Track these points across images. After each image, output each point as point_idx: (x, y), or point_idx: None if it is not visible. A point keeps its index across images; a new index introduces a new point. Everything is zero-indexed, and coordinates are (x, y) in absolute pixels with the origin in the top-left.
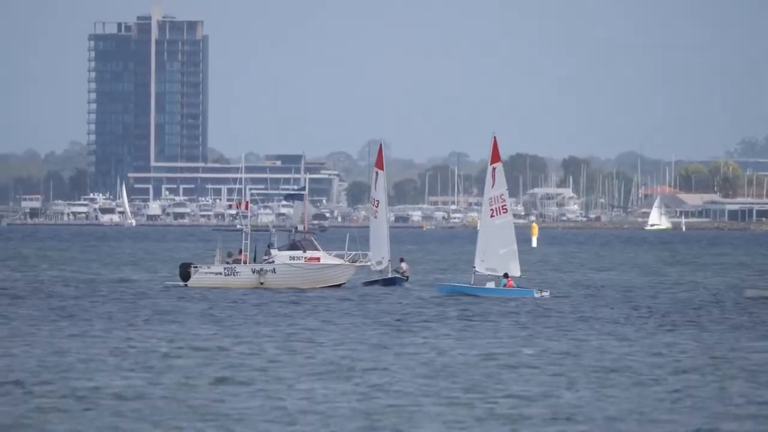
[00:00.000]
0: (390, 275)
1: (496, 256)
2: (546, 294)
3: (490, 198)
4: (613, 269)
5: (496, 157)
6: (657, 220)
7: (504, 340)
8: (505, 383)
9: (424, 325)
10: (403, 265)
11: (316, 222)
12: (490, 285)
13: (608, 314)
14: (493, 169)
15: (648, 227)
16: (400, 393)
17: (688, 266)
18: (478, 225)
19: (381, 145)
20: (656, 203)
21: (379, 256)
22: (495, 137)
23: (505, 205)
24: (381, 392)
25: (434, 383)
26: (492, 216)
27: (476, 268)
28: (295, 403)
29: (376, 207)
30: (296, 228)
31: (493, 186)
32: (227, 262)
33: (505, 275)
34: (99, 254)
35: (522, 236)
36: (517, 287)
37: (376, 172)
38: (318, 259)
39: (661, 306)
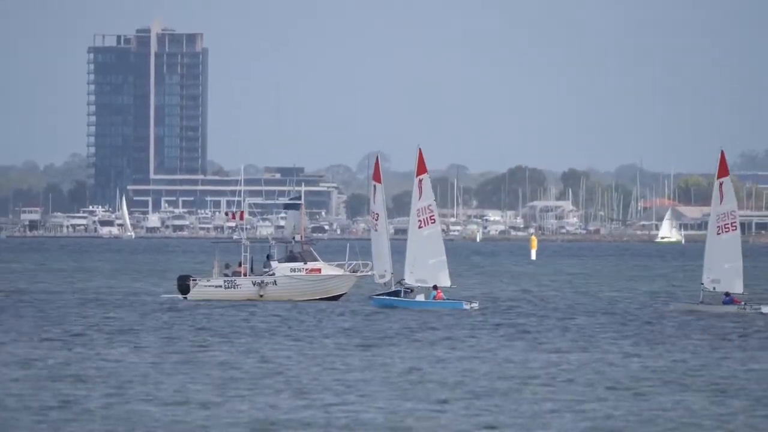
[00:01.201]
0: (393, 288)
1: (425, 267)
2: (475, 305)
3: (418, 209)
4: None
5: (422, 168)
6: (668, 232)
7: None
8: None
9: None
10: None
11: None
12: (420, 297)
13: (514, 325)
14: (420, 180)
15: (658, 240)
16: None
17: (642, 279)
18: (409, 235)
19: (378, 158)
20: (667, 215)
21: (382, 269)
22: (420, 149)
23: (433, 216)
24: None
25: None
26: (420, 227)
27: (405, 280)
28: None
29: (376, 220)
30: (294, 239)
31: (420, 197)
32: (225, 275)
33: (435, 287)
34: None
35: (521, 249)
36: (447, 299)
37: (374, 186)
38: (319, 270)
39: (569, 317)
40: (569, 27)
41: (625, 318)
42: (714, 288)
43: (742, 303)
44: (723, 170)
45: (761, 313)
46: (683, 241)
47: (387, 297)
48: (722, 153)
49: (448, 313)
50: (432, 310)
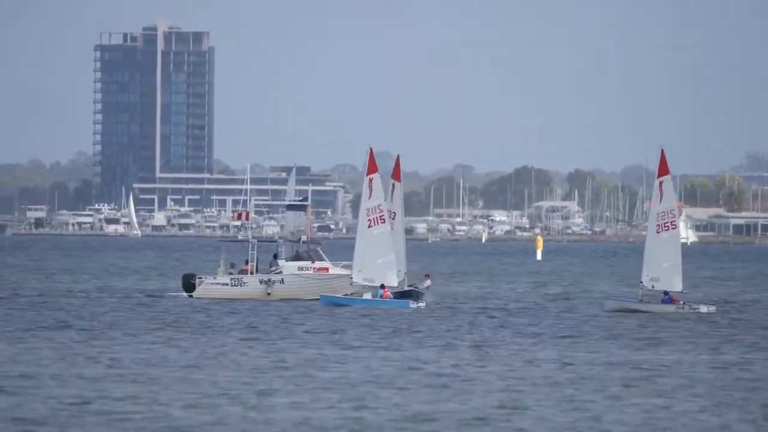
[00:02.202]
0: (406, 288)
1: (374, 266)
2: (422, 305)
3: (368, 209)
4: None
5: (373, 168)
6: (685, 234)
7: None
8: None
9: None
10: (428, 281)
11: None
12: (367, 296)
13: (451, 325)
14: (370, 180)
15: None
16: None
17: (606, 278)
18: (357, 235)
19: (398, 157)
20: (682, 217)
21: (396, 268)
22: (371, 148)
23: (383, 216)
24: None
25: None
26: (370, 226)
27: (354, 279)
28: None
29: (393, 219)
30: (300, 239)
31: (370, 197)
32: (230, 273)
33: (382, 286)
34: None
35: (527, 249)
36: (394, 298)
37: (393, 184)
38: (326, 269)
39: (506, 317)
40: (576, 27)
41: (559, 317)
42: (653, 286)
43: (681, 302)
44: (663, 169)
45: (699, 313)
46: (688, 243)
47: (337, 296)
48: (662, 152)
49: (388, 311)
50: (379, 309)
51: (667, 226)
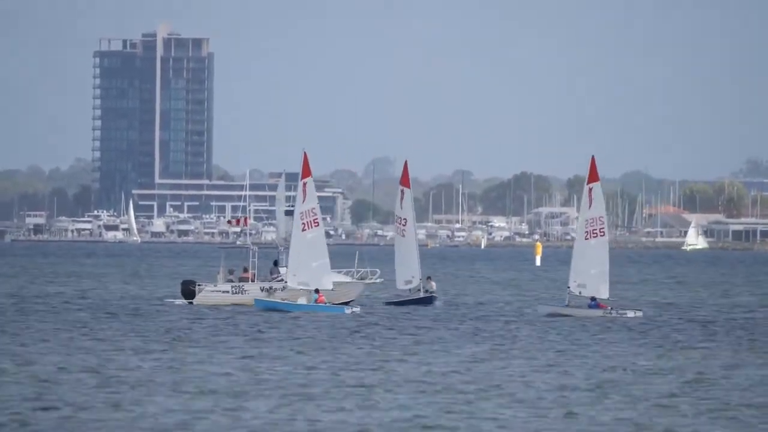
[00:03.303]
0: (422, 294)
1: (309, 269)
2: (357, 310)
3: (301, 212)
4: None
5: (306, 171)
6: (695, 240)
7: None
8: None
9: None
10: (433, 284)
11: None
12: (302, 300)
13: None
14: (304, 183)
15: (685, 247)
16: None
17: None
18: (292, 239)
19: (406, 162)
20: (693, 224)
21: (409, 275)
22: (305, 153)
23: (316, 219)
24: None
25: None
26: (303, 230)
27: (288, 283)
28: None
29: (404, 226)
30: None
31: (304, 200)
32: (230, 280)
33: (316, 290)
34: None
35: (526, 255)
36: (330, 303)
37: (402, 190)
38: None
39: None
40: (574, 31)
41: (488, 322)
42: (580, 292)
43: (608, 308)
44: (593, 176)
45: (627, 318)
46: (690, 249)
47: (271, 300)
48: (593, 159)
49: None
50: (314, 314)
51: (596, 233)
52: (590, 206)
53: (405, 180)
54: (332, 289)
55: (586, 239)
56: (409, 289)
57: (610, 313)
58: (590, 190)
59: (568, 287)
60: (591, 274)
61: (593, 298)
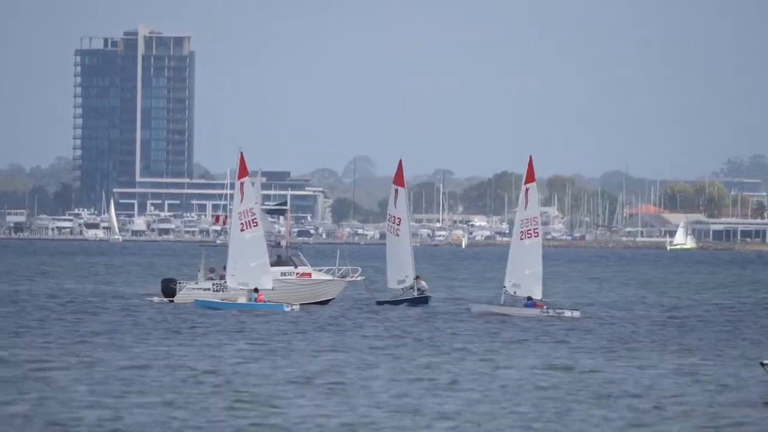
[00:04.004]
0: (416, 295)
1: (248, 270)
2: (296, 308)
3: (240, 212)
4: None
5: (243, 171)
6: (683, 239)
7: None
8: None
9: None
10: (423, 283)
11: (272, 240)
12: (242, 299)
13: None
14: (241, 183)
15: (671, 247)
16: None
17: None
18: (230, 239)
19: (401, 161)
20: (682, 224)
21: (402, 274)
22: (241, 152)
23: (255, 219)
24: None
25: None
26: (242, 230)
27: (228, 283)
28: None
29: (398, 225)
30: (278, 243)
31: (241, 200)
32: (210, 278)
33: (256, 290)
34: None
35: (507, 255)
36: (268, 301)
37: (396, 189)
38: (309, 274)
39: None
40: (556, 32)
41: (419, 320)
42: (515, 292)
43: (545, 307)
44: (530, 176)
45: (564, 317)
46: (666, 248)
47: (210, 299)
48: (530, 159)
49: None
50: (253, 312)
51: (530, 234)
52: (526, 206)
53: (399, 179)
54: (272, 289)
55: (521, 239)
56: (402, 289)
57: (547, 312)
58: (527, 190)
59: (504, 287)
60: (525, 274)
61: (529, 298)
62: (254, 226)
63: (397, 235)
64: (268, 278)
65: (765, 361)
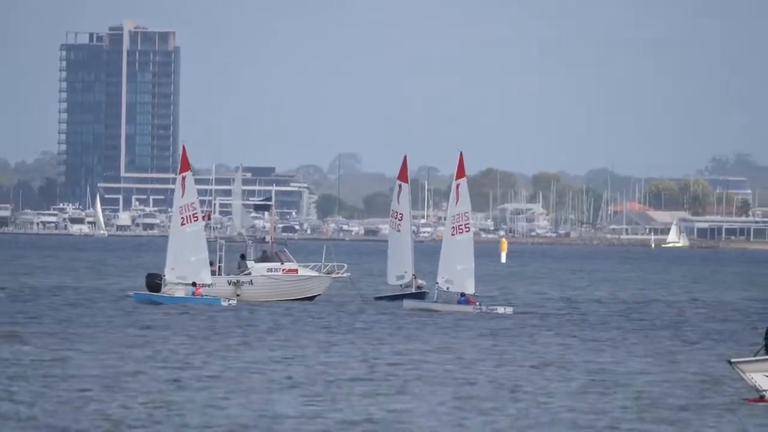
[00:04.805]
0: (414, 290)
1: (188, 264)
2: (233, 302)
3: (181, 206)
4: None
5: (185, 166)
6: (676, 237)
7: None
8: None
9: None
10: (421, 282)
11: (250, 235)
12: (180, 293)
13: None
14: (183, 177)
15: (665, 245)
16: None
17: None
18: (170, 233)
19: (405, 157)
20: (675, 222)
21: (401, 269)
22: (184, 146)
23: (196, 214)
24: None
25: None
26: (183, 224)
27: (167, 276)
28: None
29: (399, 220)
30: (264, 239)
31: (183, 195)
32: None
33: (194, 284)
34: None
35: (492, 252)
36: (206, 295)
37: (400, 185)
38: (296, 270)
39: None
40: (539, 29)
41: (348, 313)
42: (448, 288)
43: (478, 303)
44: (460, 172)
45: (497, 314)
46: (650, 245)
47: (149, 293)
48: (461, 155)
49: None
50: (190, 306)
51: (461, 229)
52: (457, 202)
53: (403, 175)
54: (210, 285)
55: (452, 235)
56: (401, 285)
57: (480, 308)
58: (457, 186)
59: (437, 283)
60: (458, 270)
61: (463, 294)
62: (195, 220)
63: (399, 230)
64: (207, 273)
65: (733, 360)
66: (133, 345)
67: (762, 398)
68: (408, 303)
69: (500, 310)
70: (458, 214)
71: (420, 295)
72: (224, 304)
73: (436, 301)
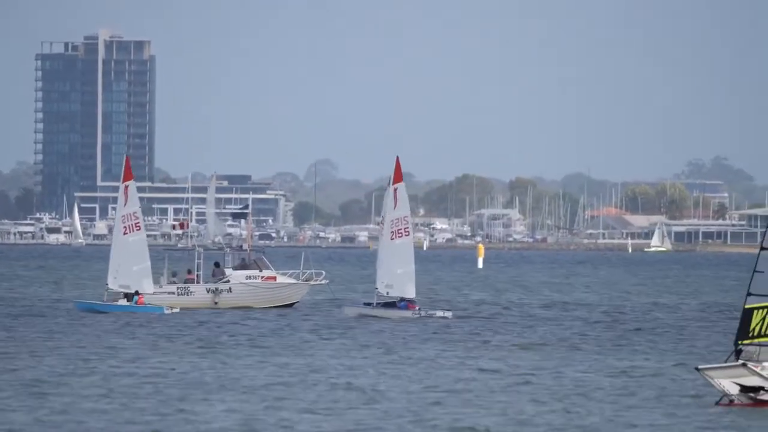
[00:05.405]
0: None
1: (130, 273)
2: (176, 310)
3: (123, 216)
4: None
5: (128, 175)
6: (659, 242)
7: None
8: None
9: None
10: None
11: (228, 243)
12: (123, 302)
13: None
14: (126, 186)
15: (648, 249)
16: None
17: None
18: (113, 242)
19: (398, 159)
20: (658, 226)
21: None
22: (127, 157)
23: (138, 223)
24: None
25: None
26: (125, 233)
27: (109, 285)
28: None
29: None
30: (241, 246)
31: (125, 204)
32: (173, 282)
33: (136, 292)
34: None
35: (469, 257)
36: (148, 304)
37: (395, 188)
38: (274, 278)
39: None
40: (515, 33)
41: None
42: (388, 293)
43: (417, 308)
44: (398, 176)
45: (436, 318)
46: (627, 250)
47: (91, 302)
48: (397, 159)
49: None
50: (133, 314)
51: (401, 233)
52: (395, 206)
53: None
54: (153, 293)
55: (391, 239)
56: (388, 293)
57: (419, 313)
58: (395, 190)
59: (376, 288)
60: (397, 273)
61: (402, 299)
62: (137, 229)
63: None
64: (149, 282)
65: (701, 366)
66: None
67: (732, 402)
68: (348, 310)
69: (439, 314)
70: (397, 219)
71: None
72: (167, 312)
73: (376, 306)
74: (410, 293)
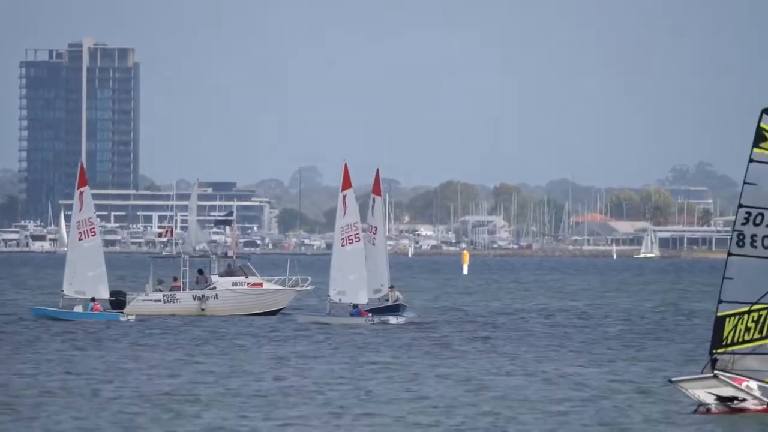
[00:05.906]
0: (391, 303)
1: (85, 279)
2: (132, 318)
3: (78, 221)
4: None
5: (83, 182)
6: (648, 249)
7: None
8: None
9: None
10: (397, 294)
11: (206, 250)
12: (78, 309)
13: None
14: (81, 193)
15: (638, 256)
16: None
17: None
18: (68, 248)
19: (378, 171)
20: (647, 233)
21: (377, 283)
22: (82, 163)
23: (93, 228)
24: None
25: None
26: (80, 239)
27: (64, 292)
28: None
29: (374, 234)
30: (226, 253)
31: (80, 210)
32: (159, 290)
33: (92, 299)
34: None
35: (454, 264)
36: (105, 311)
37: (373, 198)
38: (261, 284)
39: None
40: (500, 38)
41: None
42: (340, 300)
43: (370, 315)
44: (346, 183)
45: (389, 324)
46: (612, 256)
47: (48, 309)
48: (345, 166)
49: (104, 324)
50: (89, 322)
51: (351, 240)
52: (345, 213)
53: (376, 188)
54: (109, 299)
55: (342, 246)
56: (378, 298)
57: (372, 320)
58: (344, 197)
59: (328, 296)
60: (350, 280)
61: (355, 306)
62: (92, 235)
63: (374, 244)
64: (105, 288)
65: (674, 378)
66: None
67: (709, 411)
68: (302, 317)
69: (393, 320)
70: (347, 225)
71: (395, 308)
72: (122, 319)
73: (328, 314)
74: (363, 299)
